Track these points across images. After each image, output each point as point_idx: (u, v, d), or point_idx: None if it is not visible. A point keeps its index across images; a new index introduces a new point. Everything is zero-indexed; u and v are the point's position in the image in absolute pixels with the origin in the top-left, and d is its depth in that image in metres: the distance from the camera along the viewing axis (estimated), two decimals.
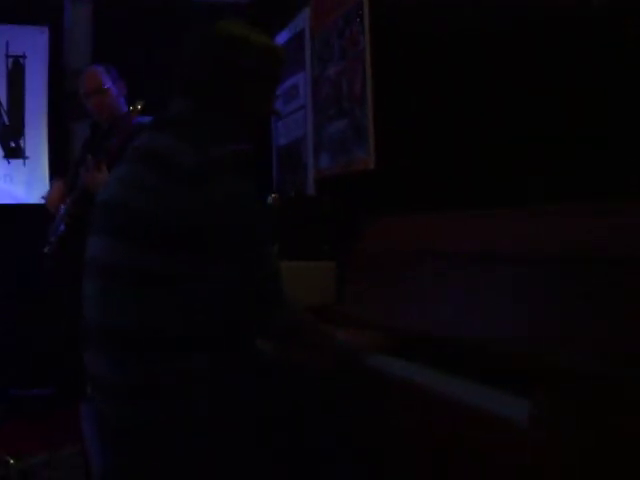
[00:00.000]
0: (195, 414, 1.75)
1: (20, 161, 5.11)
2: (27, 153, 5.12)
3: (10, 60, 5.08)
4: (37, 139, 5.13)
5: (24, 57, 5.11)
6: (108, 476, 1.72)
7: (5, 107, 5.09)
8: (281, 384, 1.87)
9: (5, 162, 5.08)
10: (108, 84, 3.72)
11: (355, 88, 3.65)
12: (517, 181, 2.51)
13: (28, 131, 5.12)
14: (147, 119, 3.40)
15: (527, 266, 1.81)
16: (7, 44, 5.06)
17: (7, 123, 5.10)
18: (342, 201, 3.57)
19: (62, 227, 3.67)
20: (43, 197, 3.91)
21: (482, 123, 2.73)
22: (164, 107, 1.96)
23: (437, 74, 3.02)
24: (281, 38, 4.60)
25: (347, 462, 1.88)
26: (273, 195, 3.68)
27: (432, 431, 1.74)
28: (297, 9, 4.45)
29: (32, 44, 5.11)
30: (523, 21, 2.52)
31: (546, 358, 1.55)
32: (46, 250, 3.79)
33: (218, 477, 1.79)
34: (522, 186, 2.46)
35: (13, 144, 5.11)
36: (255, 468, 1.79)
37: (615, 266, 1.52)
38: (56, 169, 5.02)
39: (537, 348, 1.60)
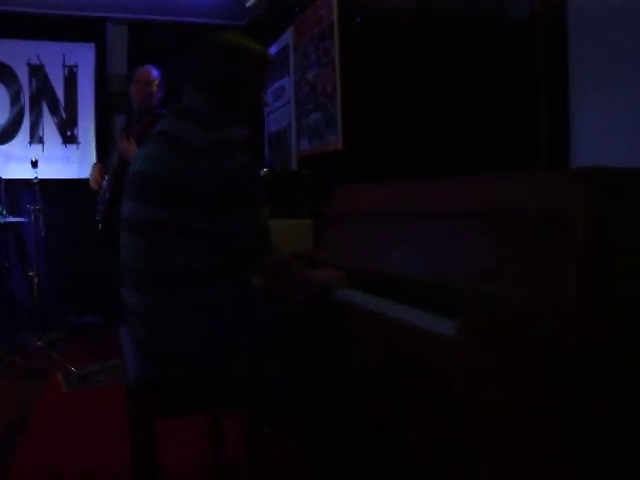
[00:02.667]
0: (207, 332, 1.74)
1: (74, 145, 5.06)
2: (79, 139, 5.07)
3: (66, 69, 5.02)
4: (87, 129, 5.08)
5: (76, 66, 5.04)
6: (139, 378, 1.69)
7: (63, 105, 5.03)
8: (269, 308, 1.87)
9: (63, 146, 5.03)
10: (155, 80, 3.71)
11: (327, 88, 3.63)
12: (441, 158, 2.56)
13: (80, 123, 5.07)
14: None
15: (452, 220, 1.79)
16: (64, 57, 5.00)
17: (64, 117, 5.04)
18: (317, 174, 3.55)
19: (107, 195, 3.65)
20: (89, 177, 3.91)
21: (417, 118, 2.79)
22: (179, 100, 1.91)
23: (389, 79, 3.03)
24: (271, 50, 4.53)
25: (321, 366, 1.87)
26: (265, 169, 3.66)
27: (385, 342, 1.77)
28: (283, 29, 4.41)
29: (82, 56, 5.04)
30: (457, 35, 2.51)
31: (467, 289, 1.53)
32: (97, 217, 3.79)
33: (223, 380, 1.78)
34: (446, 162, 2.51)
35: (69, 133, 5.06)
36: (254, 371, 1.80)
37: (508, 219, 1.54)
38: (101, 151, 5.01)
39: (461, 282, 1.58)
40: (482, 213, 1.66)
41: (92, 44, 5.03)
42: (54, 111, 5.00)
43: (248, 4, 4.27)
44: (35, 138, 4.95)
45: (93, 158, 4.98)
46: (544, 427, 1.22)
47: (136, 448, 2.03)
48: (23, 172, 4.55)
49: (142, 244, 1.76)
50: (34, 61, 4.91)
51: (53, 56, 4.95)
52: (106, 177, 3.74)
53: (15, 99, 4.90)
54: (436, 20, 2.67)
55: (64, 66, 4.99)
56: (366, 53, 3.25)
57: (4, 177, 4.23)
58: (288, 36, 4.28)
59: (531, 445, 1.25)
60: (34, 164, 4.04)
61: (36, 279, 4.05)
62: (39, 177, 4.09)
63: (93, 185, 3.82)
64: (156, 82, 3.72)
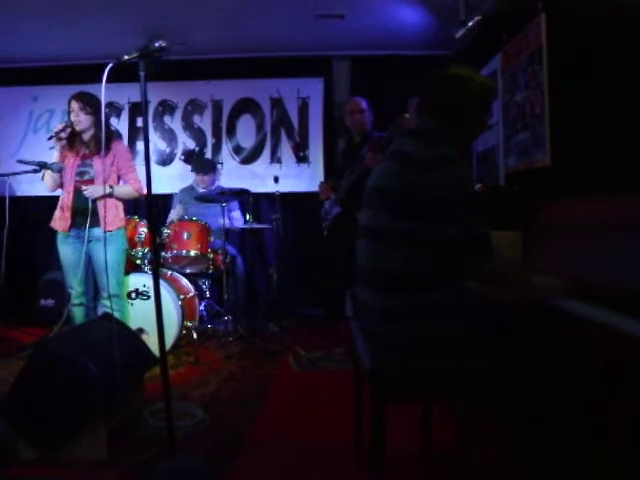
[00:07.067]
0: (430, 329, 1.73)
1: (305, 165, 5.35)
2: (310, 159, 5.35)
3: (300, 100, 5.34)
4: (316, 150, 5.35)
5: (308, 98, 5.33)
6: (374, 367, 1.71)
7: (297, 130, 5.35)
8: (485, 310, 1.79)
9: (297, 165, 5.34)
10: (364, 108, 4.00)
11: (535, 109, 3.45)
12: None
13: (311, 145, 5.35)
14: (382, 134, 3.53)
15: None
16: (298, 90, 5.33)
17: (298, 140, 5.35)
18: (525, 189, 3.40)
19: (337, 209, 3.89)
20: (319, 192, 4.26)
21: (626, 136, 2.56)
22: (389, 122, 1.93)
23: (596, 101, 2.82)
24: None
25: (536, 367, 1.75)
26: (479, 185, 3.59)
27: (603, 349, 1.60)
28: (489, 56, 4.27)
29: (313, 89, 5.33)
30: None
31: None
32: (324, 225, 4.09)
33: (444, 372, 1.74)
34: None
35: (302, 154, 5.36)
36: (471, 366, 1.73)
37: None
38: (328, 169, 5.22)
39: None
40: None
41: (321, 78, 5.31)
42: (290, 136, 5.34)
43: (458, 35, 4.18)
44: (275, 158, 5.33)
45: (321, 175, 5.23)
46: None
47: (358, 427, 2.07)
48: (265, 186, 5.00)
49: (377, 249, 1.78)
50: (275, 95, 5.30)
51: (289, 90, 5.30)
52: (332, 195, 4.03)
53: (260, 127, 5.34)
54: None
55: (298, 98, 5.32)
56: (574, 74, 3.02)
57: (251, 191, 4.56)
58: (495, 62, 4.13)
59: None
60: (276, 180, 4.36)
61: (275, 275, 4.33)
62: (279, 191, 4.39)
63: (323, 198, 4.19)
64: (365, 109, 3.96)
